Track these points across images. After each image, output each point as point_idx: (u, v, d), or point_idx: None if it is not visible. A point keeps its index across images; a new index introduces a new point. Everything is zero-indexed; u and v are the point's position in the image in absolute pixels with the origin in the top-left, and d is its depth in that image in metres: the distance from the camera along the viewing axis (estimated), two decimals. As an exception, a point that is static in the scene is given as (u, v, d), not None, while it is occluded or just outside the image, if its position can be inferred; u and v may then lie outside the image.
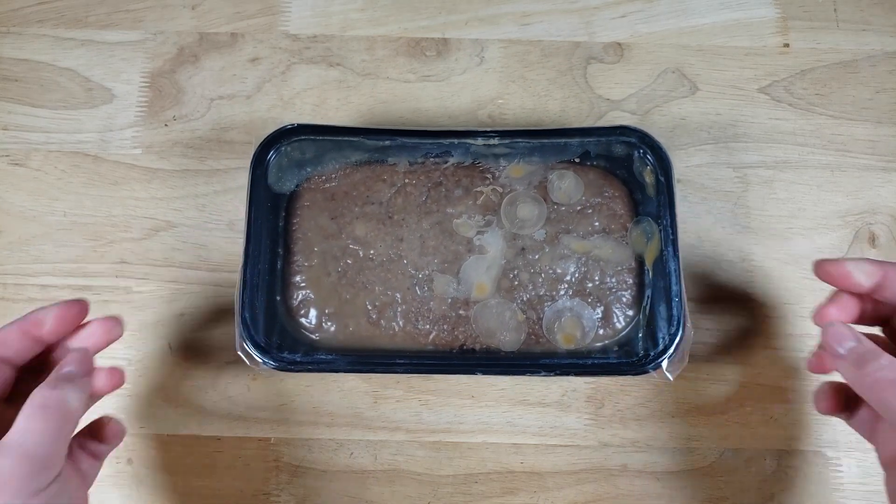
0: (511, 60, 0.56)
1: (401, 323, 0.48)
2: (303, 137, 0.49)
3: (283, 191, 0.50)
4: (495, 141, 0.49)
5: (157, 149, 0.54)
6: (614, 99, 0.55)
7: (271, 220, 0.48)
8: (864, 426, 0.40)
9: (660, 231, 0.47)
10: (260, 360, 0.45)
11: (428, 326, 0.48)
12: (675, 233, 0.46)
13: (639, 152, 0.48)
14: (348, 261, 0.49)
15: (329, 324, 0.48)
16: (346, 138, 0.49)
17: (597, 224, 0.49)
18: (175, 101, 0.55)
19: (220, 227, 0.53)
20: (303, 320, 0.48)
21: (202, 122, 0.54)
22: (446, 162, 0.50)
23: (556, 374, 0.45)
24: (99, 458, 0.40)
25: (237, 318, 0.45)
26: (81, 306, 0.39)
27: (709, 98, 0.55)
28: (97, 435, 0.40)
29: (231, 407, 0.50)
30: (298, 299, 0.48)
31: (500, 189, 0.50)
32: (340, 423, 0.50)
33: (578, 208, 0.49)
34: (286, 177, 0.50)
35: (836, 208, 0.53)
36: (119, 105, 0.55)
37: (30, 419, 0.34)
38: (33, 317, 0.38)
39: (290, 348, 0.46)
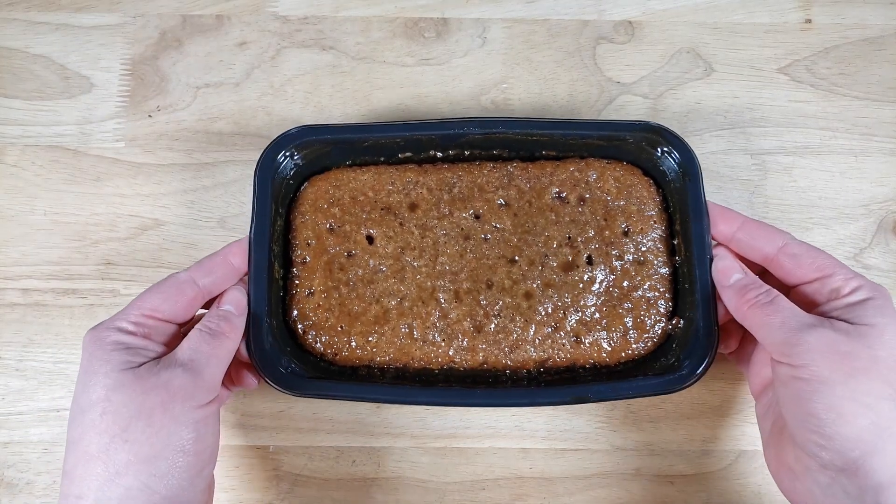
0: (515, 41, 0.53)
1: (416, 337, 0.44)
2: (307, 139, 0.45)
3: (287, 198, 0.46)
4: (513, 133, 0.46)
5: (140, 142, 0.51)
6: (625, 82, 0.52)
7: (276, 229, 0.45)
8: (741, 357, 0.44)
9: (692, 237, 0.43)
10: (278, 388, 0.42)
11: (446, 341, 0.44)
12: (708, 238, 0.43)
13: (663, 151, 0.45)
14: (358, 271, 0.45)
15: (337, 339, 0.45)
16: (354, 136, 0.46)
17: (624, 226, 0.46)
18: (158, 90, 0.52)
19: (210, 224, 0.50)
20: (310, 336, 0.45)
21: (188, 113, 0.51)
22: (461, 158, 0.47)
23: (592, 402, 0.42)
24: (224, 400, 0.45)
25: (247, 343, 0.42)
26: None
27: (725, 80, 0.52)
28: (234, 379, 0.44)
29: (227, 414, 0.48)
30: (305, 314, 0.45)
31: (520, 188, 0.46)
32: (342, 430, 0.48)
33: (603, 210, 0.46)
34: (290, 183, 0.46)
35: (860, 196, 0.50)
36: (99, 95, 0.51)
37: (198, 341, 0.39)
38: (227, 249, 0.43)
39: (299, 366, 0.43)
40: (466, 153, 0.47)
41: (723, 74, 0.52)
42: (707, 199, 0.44)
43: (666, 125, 0.45)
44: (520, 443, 0.47)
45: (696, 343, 0.42)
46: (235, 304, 0.41)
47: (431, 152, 0.47)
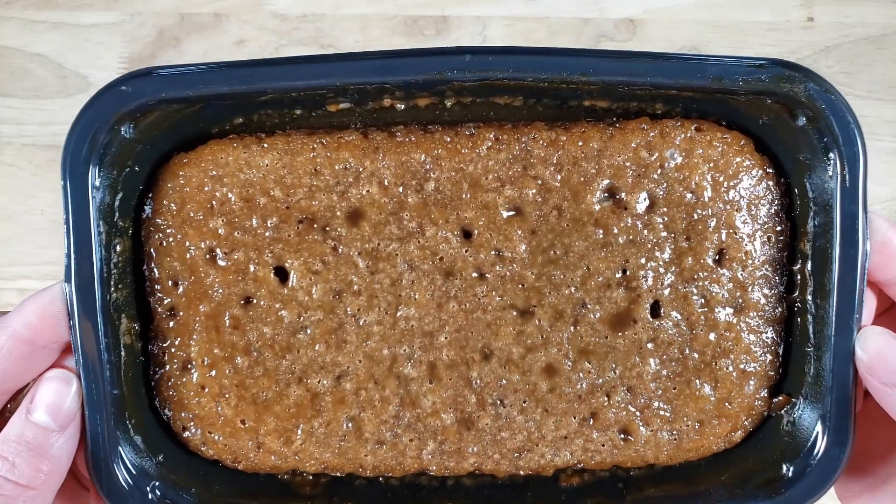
0: (516, 39, 0.52)
1: (366, 437, 0.28)
2: (154, 97, 0.26)
3: (130, 200, 0.28)
4: (533, 78, 0.26)
5: (138, 141, 0.51)
6: (626, 80, 0.52)
7: (112, 262, 0.27)
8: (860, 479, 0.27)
9: (835, 275, 0.26)
10: None
11: (415, 443, 0.28)
12: (862, 281, 0.26)
13: (805, 117, 0.27)
14: (264, 330, 0.28)
15: (237, 441, 0.29)
16: (242, 88, 0.27)
17: (717, 248, 0.28)
18: (156, 89, 0.51)
19: (208, 224, 0.50)
20: (193, 435, 0.29)
21: (186, 111, 0.51)
22: (437, 117, 0.28)
23: None
24: None
25: (87, 461, 0.27)
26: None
27: (727, 78, 0.52)
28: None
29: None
30: (182, 403, 0.29)
31: (543, 181, 0.28)
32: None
33: (685, 220, 0.28)
34: (133, 172, 0.28)
35: (862, 196, 0.50)
36: (96, 93, 0.51)
37: None
38: (18, 316, 0.24)
39: (181, 484, 0.28)
40: (448, 104, 0.28)
41: (724, 73, 0.52)
42: (871, 211, 0.27)
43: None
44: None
45: (811, 446, 0.27)
46: (52, 407, 0.24)
47: (386, 100, 0.27)
